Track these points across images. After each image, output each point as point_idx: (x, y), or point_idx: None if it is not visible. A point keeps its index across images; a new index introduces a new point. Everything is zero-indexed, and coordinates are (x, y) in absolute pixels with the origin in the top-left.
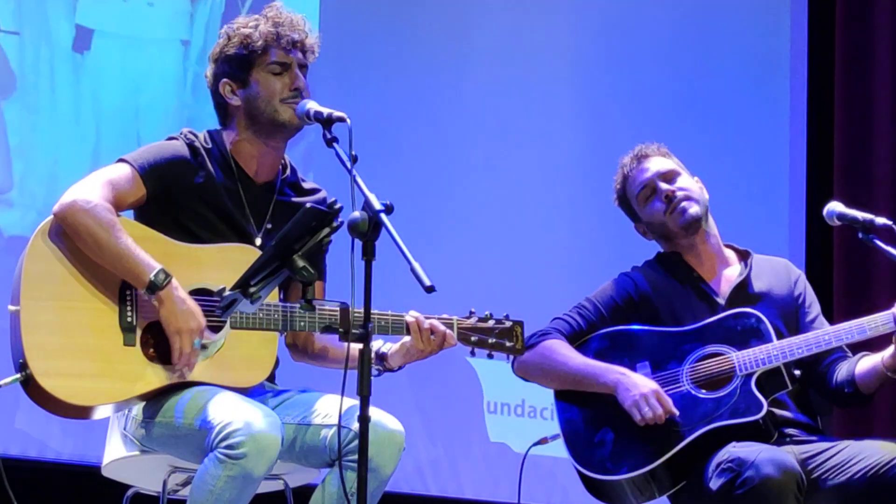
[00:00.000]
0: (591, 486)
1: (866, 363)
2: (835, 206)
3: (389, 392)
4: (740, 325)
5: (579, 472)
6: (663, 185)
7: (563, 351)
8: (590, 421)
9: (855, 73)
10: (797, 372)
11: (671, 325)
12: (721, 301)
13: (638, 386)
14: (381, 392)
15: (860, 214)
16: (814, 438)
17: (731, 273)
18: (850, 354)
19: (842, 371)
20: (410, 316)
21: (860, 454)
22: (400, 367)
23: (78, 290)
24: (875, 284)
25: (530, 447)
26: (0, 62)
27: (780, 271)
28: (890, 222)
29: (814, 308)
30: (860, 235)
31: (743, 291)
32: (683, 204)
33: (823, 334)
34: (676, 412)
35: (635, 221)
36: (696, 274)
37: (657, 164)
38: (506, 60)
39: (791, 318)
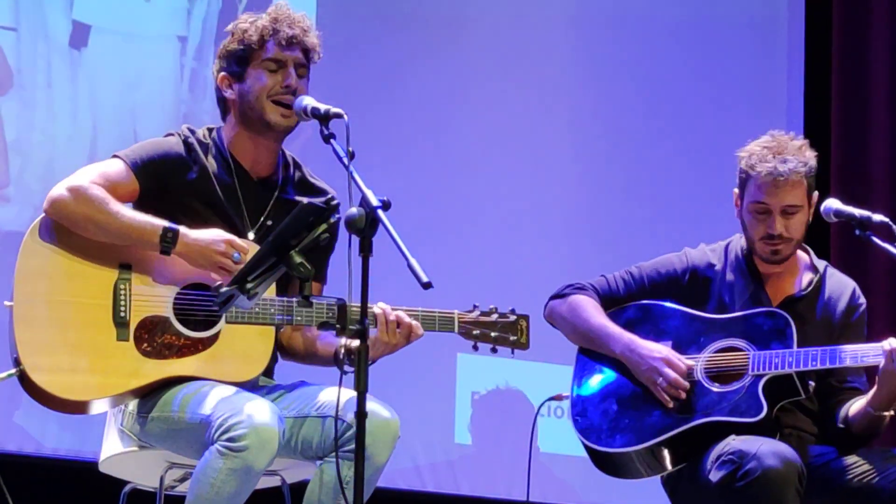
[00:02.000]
0: (588, 452)
1: (859, 403)
2: (832, 203)
3: (385, 387)
4: (767, 324)
5: (579, 439)
6: (777, 220)
7: (588, 308)
8: (599, 388)
9: (852, 69)
10: (812, 383)
11: (713, 312)
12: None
13: (646, 358)
14: (377, 385)
15: (857, 211)
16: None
17: (795, 283)
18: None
19: (843, 408)
20: (378, 307)
21: (864, 459)
22: (373, 361)
23: (70, 285)
24: (872, 281)
25: (545, 401)
26: None
27: (843, 294)
28: (887, 219)
29: (859, 340)
30: (857, 232)
31: (796, 304)
32: (779, 247)
33: (841, 350)
34: (690, 366)
35: (738, 188)
36: (760, 279)
37: (789, 196)
38: (502, 56)
39: (832, 341)
